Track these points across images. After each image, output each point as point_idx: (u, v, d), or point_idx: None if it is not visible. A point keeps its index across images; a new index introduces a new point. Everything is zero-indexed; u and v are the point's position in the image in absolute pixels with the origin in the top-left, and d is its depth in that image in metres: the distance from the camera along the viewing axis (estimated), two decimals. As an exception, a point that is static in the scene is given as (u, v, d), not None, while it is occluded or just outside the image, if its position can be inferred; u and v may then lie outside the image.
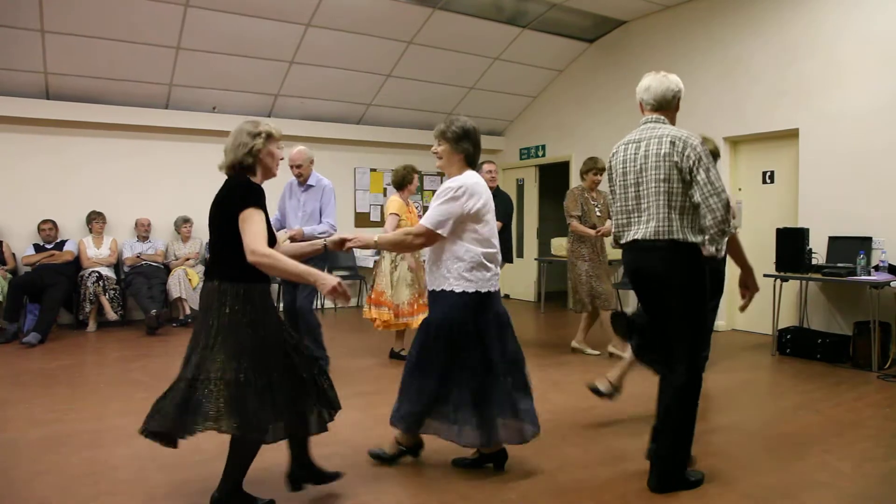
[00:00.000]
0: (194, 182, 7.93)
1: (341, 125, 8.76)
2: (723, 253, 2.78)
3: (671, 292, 2.75)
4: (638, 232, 2.79)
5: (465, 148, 2.93)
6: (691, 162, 2.66)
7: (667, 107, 2.91)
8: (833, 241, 5.71)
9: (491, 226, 2.93)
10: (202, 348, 2.49)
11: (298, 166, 5.00)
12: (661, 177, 2.71)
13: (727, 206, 2.65)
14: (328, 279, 2.41)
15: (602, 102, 8.27)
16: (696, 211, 2.69)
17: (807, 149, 6.07)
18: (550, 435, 3.54)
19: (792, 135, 6.21)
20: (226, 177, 2.63)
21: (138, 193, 7.68)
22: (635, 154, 2.81)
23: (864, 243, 5.44)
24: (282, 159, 2.74)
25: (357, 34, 7.26)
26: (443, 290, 2.89)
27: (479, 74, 8.56)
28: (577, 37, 8.26)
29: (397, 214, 5.16)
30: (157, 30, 6.57)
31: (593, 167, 5.62)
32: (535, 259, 9.20)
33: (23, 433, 3.59)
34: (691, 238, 2.70)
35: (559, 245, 8.31)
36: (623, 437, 3.53)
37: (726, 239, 2.76)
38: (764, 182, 6.63)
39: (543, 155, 9.32)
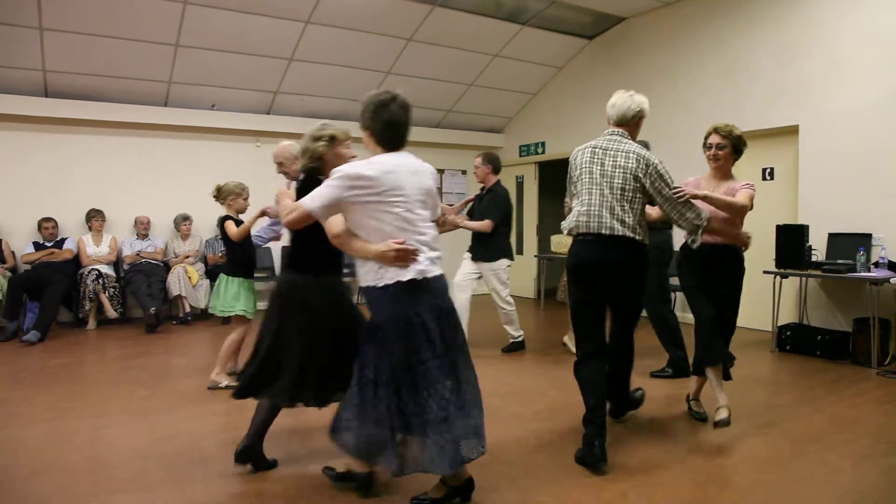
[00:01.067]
0: (194, 180, 7.93)
1: (341, 122, 8.71)
2: (698, 242, 3.34)
3: (629, 281, 3.20)
4: (602, 227, 3.10)
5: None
6: (653, 179, 3.13)
7: (626, 124, 3.31)
8: (833, 237, 5.71)
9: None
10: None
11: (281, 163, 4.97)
12: (624, 185, 3.12)
13: (689, 205, 3.20)
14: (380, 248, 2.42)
15: (602, 99, 8.13)
16: (643, 214, 3.19)
17: (807, 146, 6.06)
18: (550, 432, 3.55)
19: (792, 132, 6.21)
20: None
21: (138, 191, 7.68)
22: (602, 160, 3.20)
23: (864, 240, 5.44)
24: (353, 157, 2.77)
25: (356, 31, 7.24)
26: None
27: (478, 71, 8.55)
28: (577, 34, 8.24)
29: None
30: (155, 27, 6.56)
31: None
32: (535, 256, 9.20)
33: (23, 431, 3.60)
34: (640, 237, 3.14)
35: (559, 242, 8.31)
36: (622, 434, 3.53)
37: (701, 230, 3.29)
38: (764, 179, 6.62)
39: (543, 152, 9.31)
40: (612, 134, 3.30)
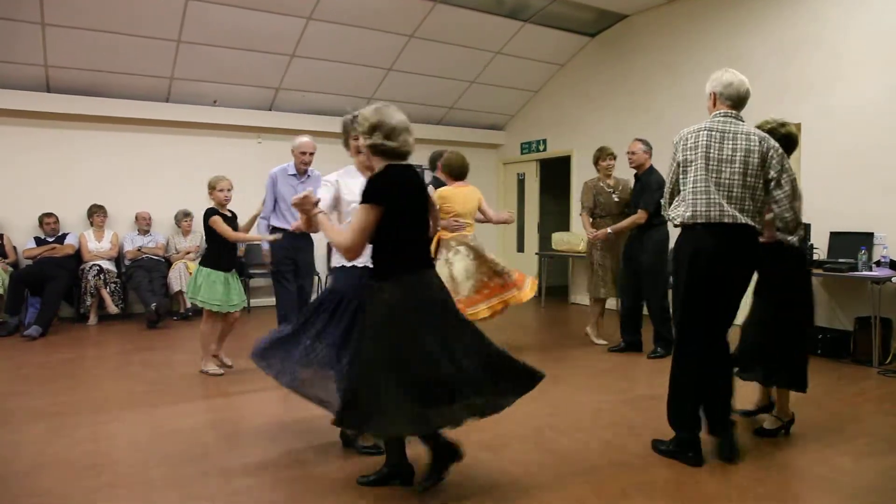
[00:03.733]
0: (195, 176, 7.90)
1: (342, 119, 8.72)
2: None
3: (747, 273, 3.08)
4: (724, 216, 2.91)
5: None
6: (776, 165, 2.97)
7: (742, 105, 3.15)
8: (834, 236, 5.70)
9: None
10: None
11: (312, 154, 5.09)
12: (745, 171, 2.95)
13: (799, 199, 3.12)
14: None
15: (603, 97, 8.25)
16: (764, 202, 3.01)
17: (809, 144, 6.04)
18: (550, 429, 3.55)
19: (794, 130, 6.19)
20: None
21: (139, 187, 7.68)
22: (721, 143, 2.98)
23: (866, 239, 5.43)
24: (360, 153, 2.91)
25: (358, 28, 7.23)
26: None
27: (480, 68, 8.54)
28: (579, 31, 8.23)
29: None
30: (158, 23, 6.55)
31: (602, 154, 5.66)
32: (536, 253, 9.20)
33: (24, 426, 3.60)
34: (760, 227, 3.02)
35: (560, 239, 8.31)
36: (622, 432, 3.53)
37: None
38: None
39: (544, 149, 9.30)
40: (725, 116, 3.08)
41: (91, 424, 3.62)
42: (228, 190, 4.71)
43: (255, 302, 8.05)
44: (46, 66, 6.80)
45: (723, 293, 3.00)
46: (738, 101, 3.12)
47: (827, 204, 5.82)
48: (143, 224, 7.46)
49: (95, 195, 7.36)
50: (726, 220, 2.91)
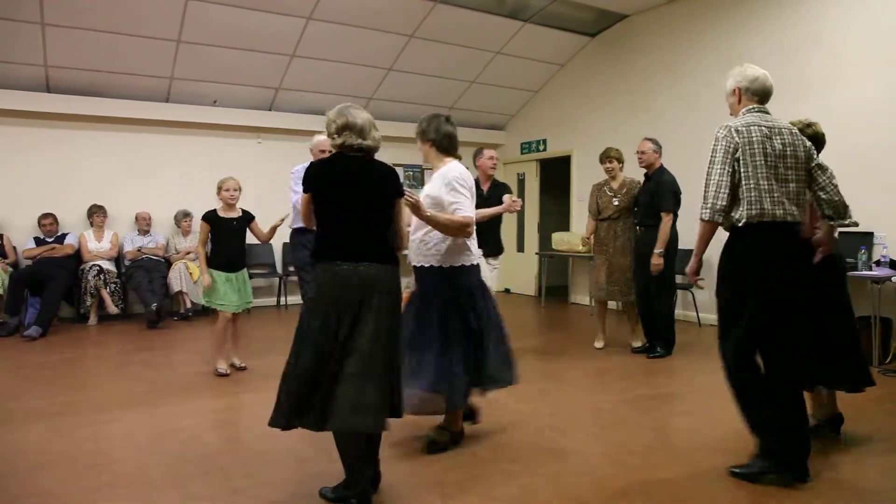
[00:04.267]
0: (195, 176, 7.93)
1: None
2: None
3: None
4: (787, 214, 2.79)
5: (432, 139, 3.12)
6: (812, 151, 2.95)
7: (768, 99, 3.02)
8: (834, 236, 5.69)
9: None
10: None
11: (322, 151, 4.87)
12: (796, 166, 2.85)
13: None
14: None
15: (603, 97, 8.26)
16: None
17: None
18: (550, 429, 3.55)
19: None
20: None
21: (139, 187, 7.68)
22: (771, 139, 2.82)
23: (866, 238, 5.42)
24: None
25: (358, 28, 7.24)
26: (431, 266, 3.08)
27: (480, 68, 8.54)
28: (579, 31, 8.23)
29: None
30: (157, 23, 6.55)
31: (603, 156, 5.64)
32: (536, 253, 9.20)
33: (24, 426, 3.60)
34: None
35: (560, 239, 8.31)
36: (622, 432, 3.53)
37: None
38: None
39: (544, 149, 9.31)
40: (759, 112, 2.93)
41: (91, 424, 3.62)
42: (234, 190, 4.70)
43: (254, 302, 8.04)
44: (46, 66, 6.80)
45: (799, 298, 2.82)
46: (764, 96, 2.98)
47: (827, 204, 5.82)
48: (143, 224, 7.46)
49: (95, 195, 7.36)
50: (789, 220, 2.79)
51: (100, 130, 7.51)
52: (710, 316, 6.87)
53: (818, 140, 3.37)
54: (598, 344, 5.68)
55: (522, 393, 4.26)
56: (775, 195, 2.78)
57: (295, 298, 8.53)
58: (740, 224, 2.80)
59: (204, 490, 2.76)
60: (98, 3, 6.14)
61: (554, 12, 7.58)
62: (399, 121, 9.03)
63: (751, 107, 2.95)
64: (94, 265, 6.86)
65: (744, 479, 2.84)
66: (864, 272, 5.13)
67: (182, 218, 7.59)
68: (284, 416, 2.46)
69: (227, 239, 4.70)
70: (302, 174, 2.70)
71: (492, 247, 5.10)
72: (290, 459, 3.11)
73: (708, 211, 2.83)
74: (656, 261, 5.06)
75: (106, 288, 6.83)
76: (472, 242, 3.12)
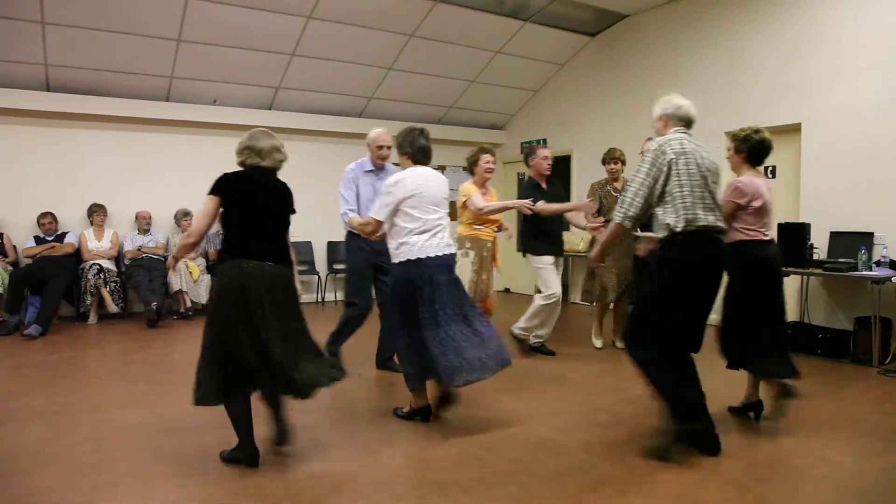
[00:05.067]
0: (195, 175, 7.90)
1: (343, 118, 8.74)
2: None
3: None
4: (719, 221, 3.13)
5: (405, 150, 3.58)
6: (719, 173, 3.22)
7: (692, 125, 3.30)
8: (834, 236, 5.70)
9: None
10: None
11: (390, 147, 4.57)
12: (713, 182, 3.15)
13: None
14: None
15: (603, 96, 8.26)
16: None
17: (809, 144, 6.05)
18: (550, 429, 3.55)
19: (794, 129, 6.19)
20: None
21: (139, 186, 7.68)
22: (699, 154, 3.12)
23: (866, 238, 5.43)
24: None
25: (358, 27, 7.23)
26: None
27: (480, 68, 8.54)
28: (579, 30, 8.23)
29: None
30: (158, 22, 6.55)
31: (605, 157, 5.63)
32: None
33: (24, 425, 3.60)
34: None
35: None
36: (623, 431, 3.53)
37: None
38: (766, 177, 6.61)
39: (545, 147, 9.29)
40: (684, 133, 3.23)
41: (91, 423, 3.62)
42: None
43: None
44: (46, 65, 6.80)
45: (709, 296, 3.17)
46: (688, 122, 3.27)
47: (827, 203, 5.83)
48: (143, 223, 7.46)
49: (95, 194, 7.35)
50: (719, 226, 3.11)
51: (100, 129, 7.50)
52: (710, 315, 6.87)
53: (765, 147, 3.58)
54: (598, 343, 5.69)
55: (522, 393, 4.27)
56: (707, 202, 3.06)
57: (332, 296, 8.83)
58: (677, 230, 3.02)
59: (204, 490, 2.76)
60: (98, 1, 6.14)
61: (554, 12, 7.58)
62: (399, 120, 9.03)
63: (677, 128, 3.23)
64: (94, 264, 6.86)
65: (653, 454, 3.06)
66: (864, 272, 5.14)
67: (182, 217, 7.58)
68: (213, 395, 2.91)
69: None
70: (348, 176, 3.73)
71: (557, 247, 5.31)
72: (290, 459, 3.11)
73: (621, 216, 3.12)
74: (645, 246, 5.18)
75: (106, 287, 6.83)
76: (419, 238, 3.42)
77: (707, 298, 3.16)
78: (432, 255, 3.42)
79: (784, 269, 5.57)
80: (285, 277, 3.02)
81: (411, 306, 3.40)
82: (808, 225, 5.65)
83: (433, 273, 3.40)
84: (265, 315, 2.83)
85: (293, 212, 3.17)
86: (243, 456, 2.99)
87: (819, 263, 5.51)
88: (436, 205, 3.51)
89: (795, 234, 5.59)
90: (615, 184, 5.60)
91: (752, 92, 6.53)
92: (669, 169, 3.04)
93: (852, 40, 5.73)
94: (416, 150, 3.56)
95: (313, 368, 2.93)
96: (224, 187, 3.03)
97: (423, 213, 3.45)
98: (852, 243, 5.46)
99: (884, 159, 5.48)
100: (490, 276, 4.80)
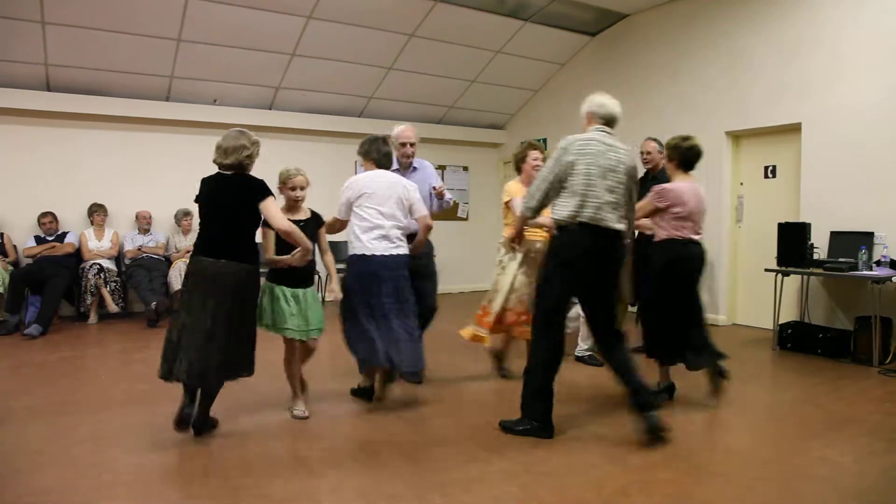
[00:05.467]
0: (195, 175, 7.86)
1: (343, 118, 8.74)
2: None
3: (615, 274, 3.42)
4: (612, 220, 3.28)
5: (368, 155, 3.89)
6: (635, 173, 3.44)
7: (615, 123, 3.47)
8: (835, 235, 5.70)
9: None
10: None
11: (414, 144, 4.34)
12: (619, 180, 3.32)
13: None
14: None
15: (604, 96, 8.24)
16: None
17: (809, 143, 6.05)
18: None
19: (794, 129, 6.19)
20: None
21: (139, 186, 7.68)
22: (606, 153, 3.30)
23: (866, 238, 5.43)
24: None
25: (359, 27, 7.23)
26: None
27: (480, 67, 8.54)
28: (579, 30, 8.23)
29: (505, 203, 4.47)
30: (158, 21, 6.55)
31: None
32: (536, 253, 9.18)
33: (24, 425, 3.60)
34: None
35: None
36: (622, 432, 3.53)
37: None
38: (766, 177, 6.62)
39: (545, 148, 9.28)
40: (601, 131, 3.40)
41: (91, 423, 3.62)
42: (302, 188, 3.71)
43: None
44: (46, 64, 6.80)
45: (595, 288, 3.38)
46: (609, 120, 3.44)
47: (827, 203, 5.82)
48: (144, 223, 7.45)
49: (96, 194, 7.35)
50: (604, 224, 3.25)
51: (100, 129, 7.50)
52: (710, 315, 6.87)
53: (694, 153, 3.88)
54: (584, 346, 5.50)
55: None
56: (599, 201, 3.24)
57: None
58: (566, 222, 3.27)
59: (204, 490, 2.76)
60: (98, 1, 6.14)
61: (554, 11, 7.58)
62: (399, 120, 9.02)
63: (597, 126, 3.42)
64: (94, 264, 6.86)
65: (505, 429, 3.43)
66: (865, 272, 5.14)
67: (182, 217, 7.58)
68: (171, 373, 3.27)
69: (292, 247, 3.52)
70: (430, 167, 4.12)
71: None
72: (290, 459, 3.11)
73: (524, 206, 3.39)
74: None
75: (106, 287, 6.83)
76: (365, 236, 3.71)
77: (585, 287, 3.37)
78: (378, 253, 3.68)
79: (784, 268, 5.62)
80: (237, 275, 3.26)
81: (358, 297, 3.68)
82: (809, 225, 5.65)
83: (377, 269, 3.66)
84: (201, 308, 3.20)
85: (253, 205, 3.31)
86: None
87: (819, 263, 5.51)
88: (382, 205, 3.72)
89: (795, 233, 5.59)
90: None
91: (752, 92, 6.52)
92: (569, 168, 3.26)
93: (852, 40, 5.72)
94: (382, 156, 3.85)
95: (200, 366, 3.20)
96: (199, 191, 3.44)
97: (370, 214, 3.71)
98: (852, 243, 5.46)
99: (884, 159, 5.48)
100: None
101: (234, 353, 3.29)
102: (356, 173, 4.02)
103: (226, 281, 3.23)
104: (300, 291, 3.61)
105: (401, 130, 4.36)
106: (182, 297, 3.37)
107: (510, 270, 4.30)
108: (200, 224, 3.45)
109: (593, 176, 3.23)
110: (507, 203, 4.43)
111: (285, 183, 3.70)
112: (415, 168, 4.43)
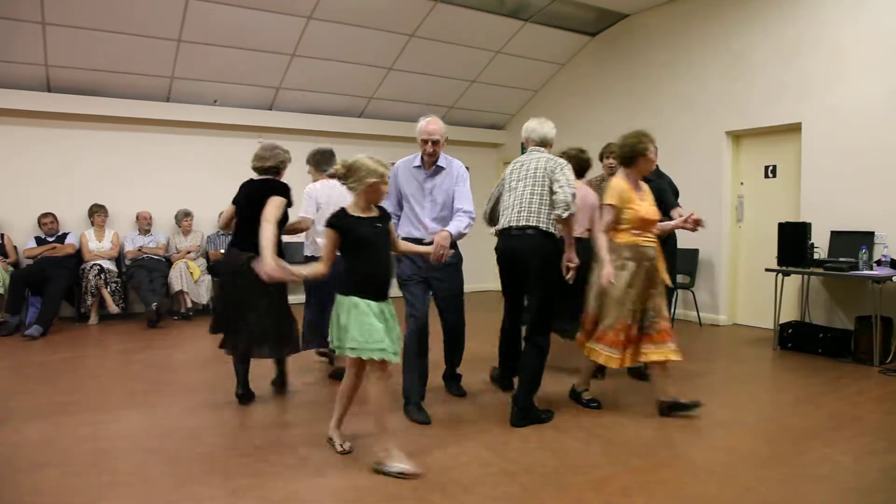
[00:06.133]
0: (195, 175, 7.94)
1: (343, 118, 8.75)
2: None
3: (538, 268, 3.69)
4: (518, 220, 3.71)
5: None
6: (556, 174, 3.68)
7: (547, 144, 4.00)
8: (835, 235, 5.70)
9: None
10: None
11: (436, 142, 3.87)
12: (538, 181, 3.74)
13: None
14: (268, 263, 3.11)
15: (604, 96, 8.25)
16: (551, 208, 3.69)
17: (809, 143, 6.05)
18: (552, 429, 3.55)
19: (794, 129, 6.19)
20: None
21: (139, 186, 7.68)
22: (521, 169, 3.88)
23: (867, 238, 5.43)
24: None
25: (359, 27, 7.24)
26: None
27: (480, 68, 8.54)
28: (580, 30, 8.23)
29: (614, 206, 3.75)
30: (158, 22, 6.56)
31: (606, 151, 5.23)
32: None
33: (25, 425, 3.60)
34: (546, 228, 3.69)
35: (561, 239, 8.29)
36: (624, 431, 3.53)
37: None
38: (766, 176, 6.61)
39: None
40: (532, 151, 3.95)
41: (92, 424, 3.62)
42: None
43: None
44: (47, 65, 6.80)
45: (511, 279, 3.87)
46: (540, 141, 3.96)
47: (827, 203, 5.82)
48: (144, 224, 7.46)
49: (96, 195, 7.36)
50: (520, 224, 3.68)
51: (100, 130, 7.51)
52: (711, 315, 6.88)
53: (584, 165, 4.68)
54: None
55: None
56: (504, 210, 3.84)
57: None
58: (498, 228, 3.89)
59: (204, 490, 2.76)
60: (99, 2, 6.14)
61: (554, 12, 7.58)
62: (399, 120, 9.04)
63: (532, 148, 3.97)
64: (94, 264, 6.86)
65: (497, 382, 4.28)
66: (865, 272, 5.13)
67: (183, 217, 7.59)
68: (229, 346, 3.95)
69: (373, 251, 3.01)
70: (461, 168, 4.14)
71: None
72: (291, 458, 3.11)
73: (479, 217, 4.06)
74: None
75: (107, 287, 6.83)
76: (312, 237, 4.52)
77: (509, 281, 3.90)
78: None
79: (784, 268, 5.62)
80: (246, 262, 3.62)
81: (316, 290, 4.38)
82: (809, 224, 5.65)
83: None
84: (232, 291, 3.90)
85: (256, 203, 3.72)
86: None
87: (820, 263, 5.51)
88: None
89: (796, 233, 5.59)
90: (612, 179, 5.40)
91: (752, 92, 6.52)
92: (503, 185, 3.98)
93: (852, 40, 5.72)
94: (330, 166, 4.30)
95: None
96: (237, 193, 4.08)
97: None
98: (853, 243, 5.46)
99: (884, 159, 5.47)
100: (660, 294, 3.79)
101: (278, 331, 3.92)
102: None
103: (240, 270, 3.77)
104: (384, 306, 2.99)
105: (423, 125, 3.85)
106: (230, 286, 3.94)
107: (621, 282, 3.68)
108: (237, 221, 3.99)
109: (516, 191, 3.81)
110: (613, 205, 3.76)
111: (374, 172, 3.05)
112: (440, 168, 3.93)
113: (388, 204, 3.85)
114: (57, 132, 7.29)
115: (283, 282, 3.57)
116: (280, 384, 4.30)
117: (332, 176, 3.14)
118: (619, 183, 3.82)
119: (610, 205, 3.76)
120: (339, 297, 2.98)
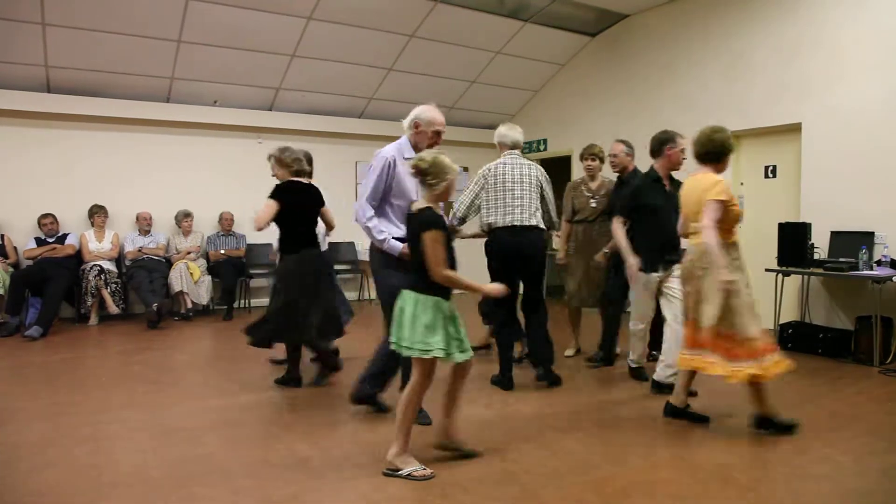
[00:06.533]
0: (195, 176, 7.94)
1: (343, 119, 8.75)
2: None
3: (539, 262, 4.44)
4: (517, 219, 4.32)
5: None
6: (543, 183, 4.49)
7: (518, 147, 4.54)
8: (835, 235, 5.70)
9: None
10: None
11: (438, 133, 3.67)
12: (534, 187, 4.43)
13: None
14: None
15: (604, 96, 8.25)
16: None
17: (809, 143, 6.05)
18: (552, 429, 3.55)
19: (795, 129, 6.19)
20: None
21: (140, 187, 7.68)
22: (513, 171, 4.41)
23: (867, 238, 5.42)
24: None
25: (359, 27, 7.24)
26: None
27: (480, 68, 8.54)
28: (579, 30, 8.23)
29: (720, 201, 3.33)
30: (158, 23, 6.56)
31: (586, 152, 5.29)
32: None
33: (25, 426, 3.60)
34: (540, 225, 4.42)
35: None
36: (624, 431, 3.53)
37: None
38: (766, 176, 6.61)
39: (545, 149, 9.30)
40: (510, 155, 4.48)
41: (92, 424, 3.62)
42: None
43: (255, 302, 8.05)
44: (47, 66, 6.80)
45: (511, 272, 4.31)
46: (513, 145, 4.50)
47: (827, 203, 5.82)
48: (144, 224, 7.46)
49: (96, 195, 7.36)
50: (525, 223, 4.30)
51: (100, 130, 7.51)
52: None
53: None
54: (569, 352, 5.45)
55: (523, 393, 4.27)
56: (506, 209, 4.32)
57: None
58: (489, 226, 4.37)
59: (204, 490, 2.76)
60: (98, 3, 6.14)
61: (554, 12, 7.58)
62: (399, 120, 9.01)
63: (506, 152, 4.49)
64: (94, 265, 6.86)
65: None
66: (865, 272, 5.13)
67: (183, 218, 7.59)
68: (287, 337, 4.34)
69: (450, 251, 2.90)
70: (381, 164, 3.58)
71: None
72: (292, 459, 3.11)
73: (453, 216, 4.44)
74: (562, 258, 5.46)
75: (107, 288, 6.83)
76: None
77: (508, 274, 4.22)
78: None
79: (784, 268, 5.63)
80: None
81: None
82: (809, 224, 5.65)
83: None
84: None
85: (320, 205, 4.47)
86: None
87: (820, 263, 5.51)
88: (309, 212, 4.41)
89: (796, 233, 5.59)
90: (591, 183, 5.27)
91: (752, 92, 6.52)
92: (483, 187, 4.40)
93: (852, 40, 5.72)
94: (303, 165, 4.50)
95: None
96: (281, 195, 4.34)
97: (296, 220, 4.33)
98: (853, 243, 5.46)
99: (884, 159, 5.47)
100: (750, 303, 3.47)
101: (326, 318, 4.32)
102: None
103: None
104: (452, 304, 2.88)
105: (439, 116, 3.64)
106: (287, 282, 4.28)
107: (741, 285, 3.36)
108: (291, 222, 4.29)
109: (500, 192, 4.33)
110: (722, 201, 3.34)
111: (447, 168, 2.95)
112: None
113: (368, 195, 3.53)
114: (57, 133, 7.30)
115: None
116: (333, 367, 4.56)
117: (414, 169, 2.89)
118: (720, 179, 3.41)
119: (721, 201, 3.31)
120: (418, 297, 2.79)
